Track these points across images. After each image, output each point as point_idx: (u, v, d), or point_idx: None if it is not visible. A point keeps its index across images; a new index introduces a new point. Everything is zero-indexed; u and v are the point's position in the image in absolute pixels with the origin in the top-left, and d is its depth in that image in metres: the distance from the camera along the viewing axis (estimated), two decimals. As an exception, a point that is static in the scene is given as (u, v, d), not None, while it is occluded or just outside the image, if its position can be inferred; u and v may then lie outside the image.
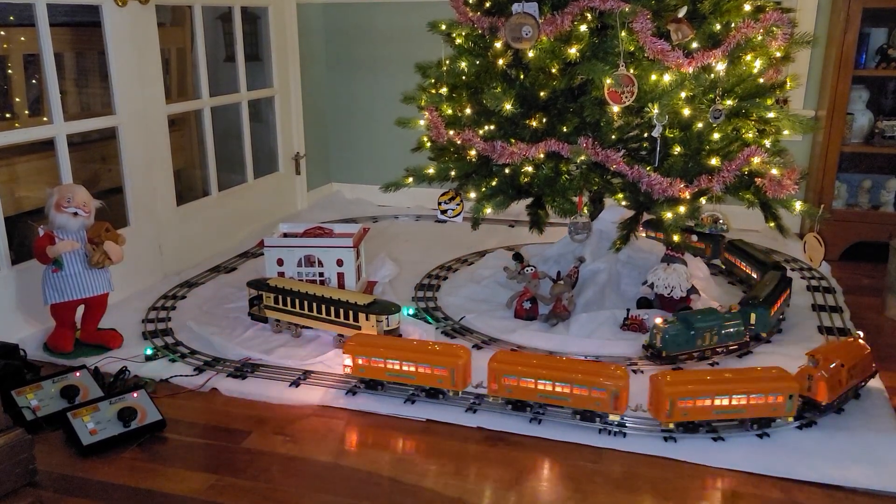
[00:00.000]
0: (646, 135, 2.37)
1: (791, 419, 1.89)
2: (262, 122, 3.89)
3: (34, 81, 3.08)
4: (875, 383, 2.12)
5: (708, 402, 1.84)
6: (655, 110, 2.20)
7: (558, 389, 1.90)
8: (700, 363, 2.23)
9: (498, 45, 2.39)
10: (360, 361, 2.07)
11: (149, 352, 2.33)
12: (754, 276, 2.71)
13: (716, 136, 2.28)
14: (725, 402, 1.84)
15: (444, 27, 2.58)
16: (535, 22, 2.21)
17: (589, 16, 2.23)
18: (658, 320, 2.25)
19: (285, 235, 2.80)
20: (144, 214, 2.93)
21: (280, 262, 2.69)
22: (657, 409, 1.87)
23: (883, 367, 2.23)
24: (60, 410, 1.91)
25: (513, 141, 2.36)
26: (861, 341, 2.10)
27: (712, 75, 2.25)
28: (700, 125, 2.28)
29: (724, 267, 2.97)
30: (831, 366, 1.91)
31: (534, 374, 1.91)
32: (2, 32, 2.92)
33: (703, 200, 2.29)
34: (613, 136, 2.34)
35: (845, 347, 2.04)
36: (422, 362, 2.02)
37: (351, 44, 4.10)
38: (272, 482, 1.72)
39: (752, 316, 2.32)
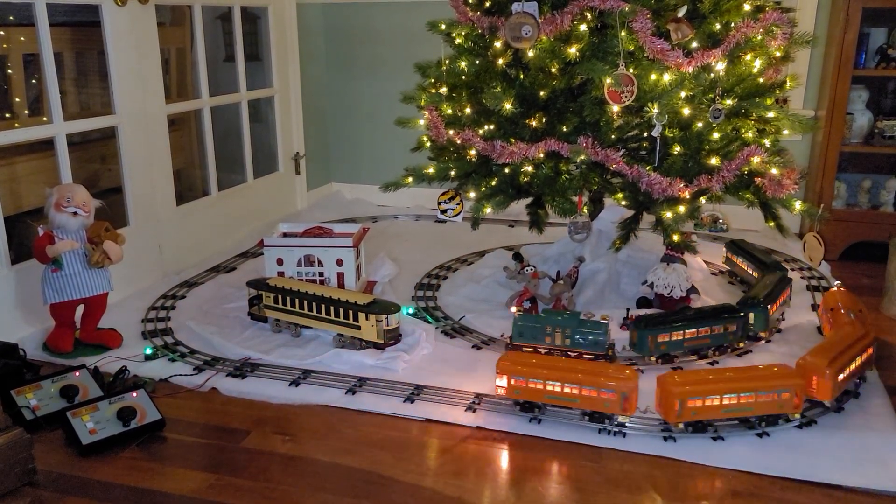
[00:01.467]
0: (645, 134, 2.37)
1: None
2: (261, 122, 3.89)
3: (34, 81, 3.08)
4: (875, 382, 2.12)
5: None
6: (655, 110, 2.20)
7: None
8: (699, 362, 2.23)
9: (498, 44, 2.39)
10: (514, 382, 1.93)
11: (148, 351, 2.33)
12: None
13: (715, 135, 2.28)
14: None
15: (443, 27, 2.58)
16: (534, 21, 2.21)
17: (589, 15, 2.23)
18: (513, 308, 2.26)
19: (285, 235, 2.80)
20: (144, 214, 2.93)
21: (280, 262, 2.69)
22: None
23: (883, 367, 2.23)
24: (60, 410, 1.91)
25: (512, 140, 2.36)
26: (841, 289, 2.10)
27: (712, 75, 2.25)
28: (700, 125, 2.28)
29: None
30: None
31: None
32: (1, 32, 2.92)
33: (702, 200, 2.29)
34: (613, 136, 2.34)
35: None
36: (587, 385, 1.89)
37: (351, 43, 4.10)
38: (272, 481, 1.72)
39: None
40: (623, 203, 2.41)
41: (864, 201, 3.38)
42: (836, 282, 2.51)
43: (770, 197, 2.30)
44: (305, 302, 2.39)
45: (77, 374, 2.05)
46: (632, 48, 2.19)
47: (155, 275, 2.98)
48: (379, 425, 1.96)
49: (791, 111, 2.40)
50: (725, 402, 1.84)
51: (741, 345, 2.31)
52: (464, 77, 2.52)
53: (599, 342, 2.15)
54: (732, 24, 2.23)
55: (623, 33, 2.16)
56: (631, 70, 2.17)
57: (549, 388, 1.90)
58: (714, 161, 2.24)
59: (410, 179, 2.63)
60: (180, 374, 2.20)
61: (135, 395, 1.96)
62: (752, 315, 2.32)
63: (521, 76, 2.40)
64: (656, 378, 1.92)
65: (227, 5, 3.55)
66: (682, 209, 2.24)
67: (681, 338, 2.21)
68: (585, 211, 2.59)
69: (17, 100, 3.05)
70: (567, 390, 1.90)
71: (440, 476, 1.74)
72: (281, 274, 2.69)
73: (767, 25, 2.25)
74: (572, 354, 2.16)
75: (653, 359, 2.21)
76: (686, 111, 2.25)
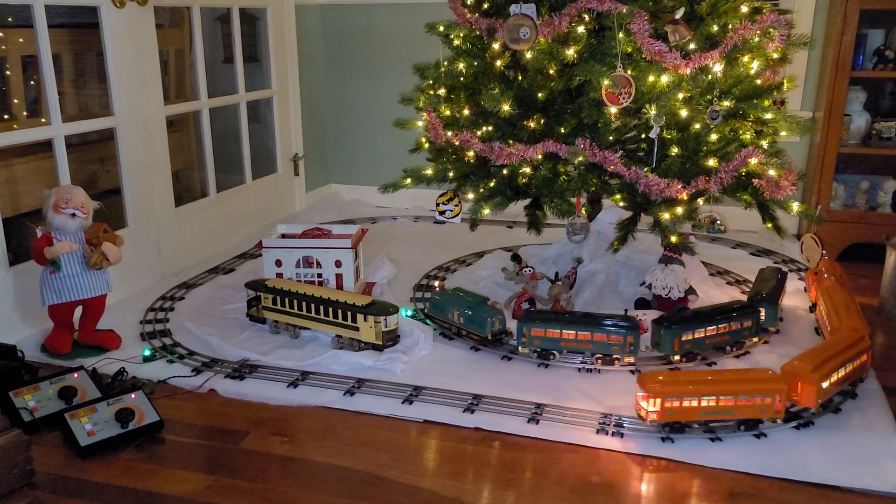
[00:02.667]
0: (643, 136, 2.37)
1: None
2: (260, 124, 3.89)
3: (32, 83, 3.08)
4: (872, 383, 2.12)
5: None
6: (653, 111, 2.20)
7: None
8: (697, 364, 2.24)
9: (496, 46, 2.39)
10: (668, 404, 1.85)
11: (147, 353, 2.33)
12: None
13: (713, 137, 2.29)
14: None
15: (442, 28, 2.59)
16: (532, 23, 2.21)
17: (586, 17, 2.24)
18: (437, 282, 2.38)
19: (283, 236, 2.80)
20: (143, 215, 2.93)
21: (278, 263, 2.69)
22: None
23: (881, 367, 2.23)
24: (58, 411, 1.91)
25: (511, 142, 2.36)
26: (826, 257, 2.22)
27: (710, 76, 2.26)
28: (697, 126, 2.28)
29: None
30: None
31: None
32: (0, 34, 2.92)
33: (700, 201, 2.30)
34: (611, 138, 2.35)
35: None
36: (743, 394, 1.85)
37: (349, 45, 4.11)
38: (270, 483, 1.72)
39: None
40: (621, 204, 2.42)
41: (862, 202, 3.38)
42: (823, 251, 2.68)
43: (768, 198, 2.31)
44: (304, 303, 2.40)
45: (75, 375, 2.05)
46: (630, 50, 2.19)
47: (153, 276, 2.98)
48: (377, 426, 1.96)
49: (788, 112, 2.41)
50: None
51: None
52: (462, 78, 2.52)
53: (485, 326, 2.30)
54: (730, 26, 2.24)
55: (621, 35, 2.17)
56: (629, 72, 2.18)
57: (705, 403, 1.86)
58: (712, 162, 2.25)
59: (409, 181, 2.64)
60: (179, 376, 2.20)
61: (133, 396, 1.96)
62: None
63: (520, 78, 2.40)
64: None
65: (225, 7, 3.55)
66: (679, 210, 2.24)
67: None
68: (584, 212, 2.59)
69: (16, 101, 3.05)
70: (723, 403, 1.86)
71: (438, 477, 1.74)
72: (279, 275, 2.69)
73: (765, 27, 2.26)
74: (464, 332, 2.38)
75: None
76: (684, 113, 2.25)
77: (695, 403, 1.84)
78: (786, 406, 1.88)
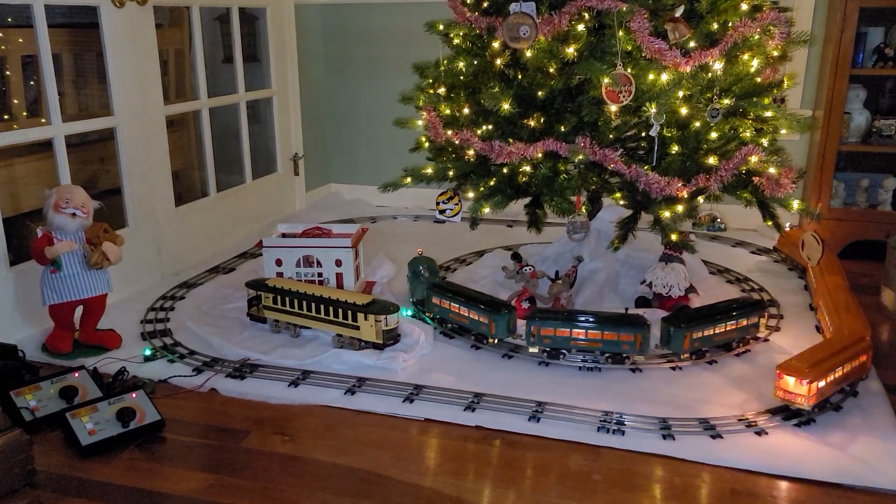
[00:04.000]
0: (643, 134, 2.37)
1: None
2: (260, 123, 3.89)
3: (32, 83, 3.08)
4: (873, 381, 2.12)
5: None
6: (653, 109, 2.20)
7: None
8: (696, 362, 2.24)
9: (496, 44, 2.39)
10: (819, 385, 1.91)
11: (147, 352, 2.33)
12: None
13: (713, 135, 2.29)
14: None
15: (441, 27, 2.58)
16: (532, 22, 2.21)
17: (586, 15, 2.24)
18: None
19: (284, 236, 2.80)
20: (143, 215, 2.93)
21: (279, 263, 2.69)
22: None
23: (881, 365, 2.23)
24: (59, 411, 1.91)
25: (511, 140, 2.36)
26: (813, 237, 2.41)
27: (710, 74, 2.25)
28: (698, 124, 2.28)
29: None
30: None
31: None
32: (0, 34, 2.92)
33: (700, 199, 2.30)
34: (611, 136, 2.35)
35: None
36: (850, 359, 2.00)
37: (349, 44, 4.11)
38: (271, 482, 1.72)
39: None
40: (621, 203, 2.42)
41: (862, 200, 3.38)
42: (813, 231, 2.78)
43: (768, 196, 2.31)
44: (304, 302, 2.40)
45: (76, 375, 2.05)
46: (629, 48, 2.19)
47: (154, 276, 2.98)
48: (378, 425, 1.96)
49: (789, 110, 2.40)
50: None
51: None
52: (462, 77, 2.52)
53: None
54: (730, 24, 2.24)
55: (621, 33, 2.17)
56: (629, 70, 2.18)
57: (838, 374, 1.96)
58: (712, 160, 2.25)
59: (409, 180, 2.64)
60: (180, 375, 2.20)
61: (134, 395, 1.96)
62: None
63: (520, 76, 2.40)
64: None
65: (225, 6, 3.55)
66: (680, 208, 2.24)
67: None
68: (584, 211, 2.59)
69: (16, 101, 3.05)
70: (847, 369, 1.98)
71: (439, 475, 1.74)
72: (280, 274, 2.69)
73: (765, 25, 2.26)
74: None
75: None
76: (684, 111, 2.25)
77: (833, 377, 1.92)
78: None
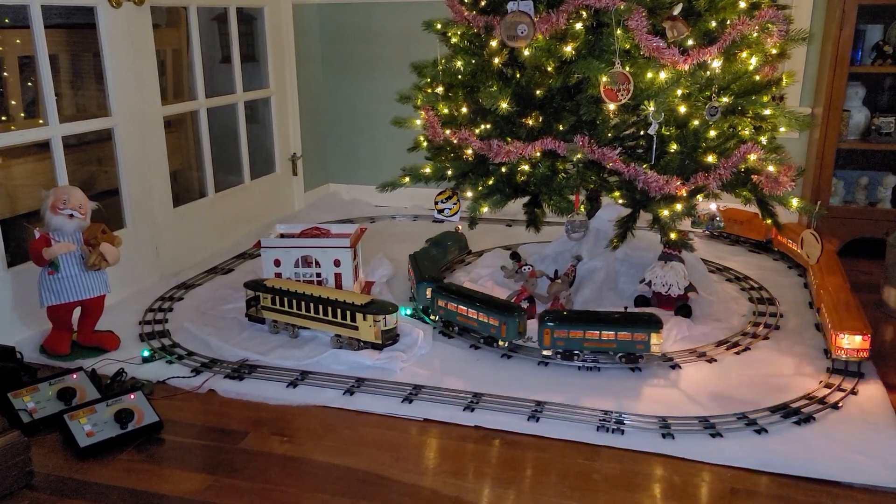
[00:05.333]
0: (642, 132, 2.37)
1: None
2: (258, 123, 3.88)
3: (29, 84, 3.08)
4: (873, 380, 2.12)
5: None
6: (651, 108, 2.20)
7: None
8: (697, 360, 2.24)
9: (493, 43, 2.39)
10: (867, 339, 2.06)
11: (146, 353, 2.32)
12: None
13: (712, 133, 2.28)
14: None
15: (439, 26, 2.58)
16: (530, 20, 2.20)
17: (584, 13, 2.23)
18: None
19: (282, 236, 2.80)
20: (141, 216, 2.93)
21: (277, 263, 2.69)
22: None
23: (881, 363, 2.23)
24: (57, 412, 1.91)
25: (509, 140, 2.36)
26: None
27: (708, 72, 2.25)
28: (696, 122, 2.28)
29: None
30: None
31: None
32: (-3, 35, 2.92)
33: (699, 198, 2.29)
34: (610, 134, 2.34)
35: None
36: None
37: (347, 44, 4.10)
38: (270, 482, 1.72)
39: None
40: (620, 201, 2.41)
41: (862, 198, 3.38)
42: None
43: (767, 194, 2.31)
44: (303, 303, 2.39)
45: (74, 376, 2.05)
46: (628, 46, 2.19)
47: (152, 276, 2.98)
48: (377, 425, 1.96)
49: (787, 108, 2.40)
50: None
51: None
52: (460, 76, 2.52)
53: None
54: (728, 22, 2.23)
55: (619, 31, 2.16)
56: (627, 68, 2.17)
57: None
58: (711, 159, 2.25)
59: (407, 179, 2.63)
60: (178, 376, 2.20)
61: (132, 397, 1.95)
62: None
63: (518, 75, 2.40)
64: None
65: (222, 6, 3.54)
66: (679, 207, 2.24)
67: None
68: (583, 209, 2.59)
69: (13, 102, 3.05)
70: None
71: (439, 475, 1.74)
72: (278, 275, 2.68)
73: (763, 22, 2.25)
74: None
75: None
76: (682, 109, 2.25)
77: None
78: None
